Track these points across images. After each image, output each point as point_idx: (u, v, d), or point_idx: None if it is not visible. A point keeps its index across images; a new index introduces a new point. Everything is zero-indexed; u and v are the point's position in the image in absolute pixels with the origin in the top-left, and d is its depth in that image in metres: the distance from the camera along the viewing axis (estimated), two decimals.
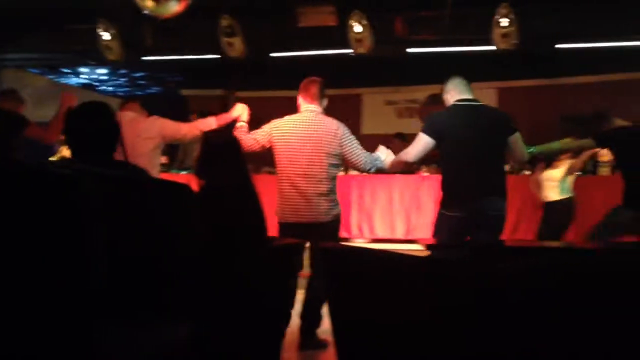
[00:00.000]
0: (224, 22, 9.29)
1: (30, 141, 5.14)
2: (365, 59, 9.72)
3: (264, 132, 4.79)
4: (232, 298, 2.67)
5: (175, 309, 2.31)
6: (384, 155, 4.92)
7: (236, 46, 9.47)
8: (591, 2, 8.87)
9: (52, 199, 1.81)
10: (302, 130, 4.67)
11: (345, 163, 5.04)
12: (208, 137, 3.68)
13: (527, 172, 8.08)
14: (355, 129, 5.83)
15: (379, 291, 2.22)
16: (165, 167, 8.19)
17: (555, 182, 7.37)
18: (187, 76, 12.22)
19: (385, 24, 9.60)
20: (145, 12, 7.60)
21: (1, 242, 1.76)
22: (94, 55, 10.02)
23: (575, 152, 6.99)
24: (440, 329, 2.08)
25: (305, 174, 4.61)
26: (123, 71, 12.33)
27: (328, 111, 4.89)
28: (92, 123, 2.98)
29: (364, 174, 8.82)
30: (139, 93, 12.75)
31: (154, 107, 5.26)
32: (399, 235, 8.34)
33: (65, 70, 12.25)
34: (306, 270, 4.60)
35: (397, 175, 8.37)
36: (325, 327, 4.61)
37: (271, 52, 10.56)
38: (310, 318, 4.71)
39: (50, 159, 5.68)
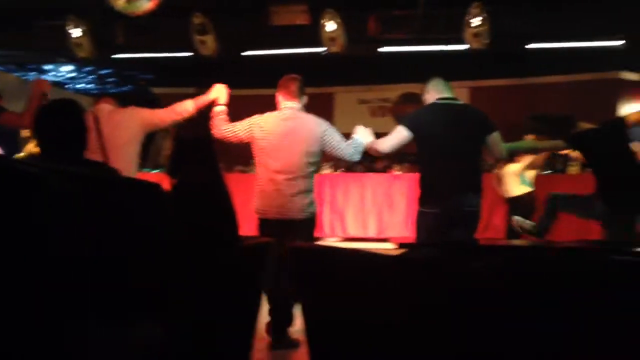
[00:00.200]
0: (197, 20, 9.25)
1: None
2: (338, 57, 9.75)
3: (244, 126, 4.73)
4: (203, 297, 2.65)
5: (145, 308, 2.29)
6: (363, 135, 4.85)
7: (209, 44, 9.45)
8: (561, 3, 8.98)
9: (18, 197, 1.78)
10: (282, 126, 4.65)
11: (330, 158, 5.01)
12: (180, 135, 3.64)
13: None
14: None
15: (352, 290, 2.21)
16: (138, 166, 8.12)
17: (514, 177, 7.45)
18: (159, 74, 12.15)
19: (358, 23, 9.62)
20: (117, 9, 7.55)
21: None
22: (64, 52, 9.93)
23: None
24: (412, 327, 2.08)
25: (284, 171, 4.59)
26: (89, 69, 12.21)
27: None
28: (61, 121, 2.94)
29: (337, 172, 8.88)
30: (113, 91, 12.63)
31: (125, 105, 5.21)
32: (372, 234, 8.37)
33: (31, 67, 12.10)
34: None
35: (370, 174, 8.40)
36: (298, 326, 4.60)
37: (244, 51, 10.54)
38: (282, 317, 4.69)
39: (18, 155, 5.61)
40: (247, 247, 3.22)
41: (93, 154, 4.53)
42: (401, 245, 2.81)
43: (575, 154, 6.76)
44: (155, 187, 2.49)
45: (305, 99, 4.81)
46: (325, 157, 4.90)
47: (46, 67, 12.18)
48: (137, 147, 4.79)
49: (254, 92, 10.66)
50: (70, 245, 1.90)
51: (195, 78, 11.53)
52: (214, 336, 2.73)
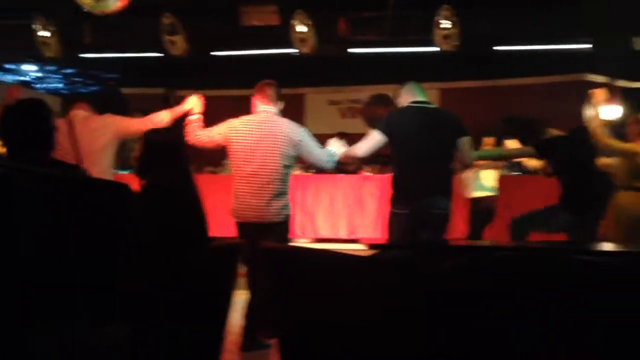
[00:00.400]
0: (166, 20, 9.19)
1: None
2: (309, 58, 9.74)
3: (220, 130, 4.75)
4: (171, 298, 2.63)
5: (113, 310, 2.27)
6: (336, 148, 4.96)
7: (178, 44, 9.39)
8: (529, 6, 9.08)
9: None
10: (258, 130, 4.66)
11: (304, 162, 5.05)
12: (148, 136, 3.60)
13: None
14: None
15: (322, 291, 2.21)
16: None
17: (475, 179, 7.50)
18: (128, 74, 12.03)
19: (329, 24, 9.63)
20: (85, 9, 7.46)
21: None
22: (31, 52, 9.80)
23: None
24: (383, 327, 2.08)
25: (260, 174, 4.61)
26: (53, 68, 12.06)
27: None
28: (29, 121, 2.90)
29: (308, 173, 8.87)
30: (83, 91, 12.47)
31: (98, 109, 5.17)
32: (342, 235, 8.36)
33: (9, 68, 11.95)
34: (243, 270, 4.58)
35: (340, 175, 8.40)
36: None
37: (214, 51, 10.50)
38: (253, 319, 4.68)
39: None
40: (217, 248, 3.21)
41: (67, 160, 4.54)
42: (371, 247, 2.82)
43: (531, 163, 6.88)
44: (123, 188, 2.47)
45: (281, 104, 4.84)
46: (297, 159, 4.92)
47: (10, 66, 12.00)
48: (112, 154, 4.80)
49: (224, 93, 10.63)
50: (37, 245, 1.87)
51: (165, 78, 11.46)
52: (183, 337, 2.71)
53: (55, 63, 11.22)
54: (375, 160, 8.92)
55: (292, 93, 11.49)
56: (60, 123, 4.76)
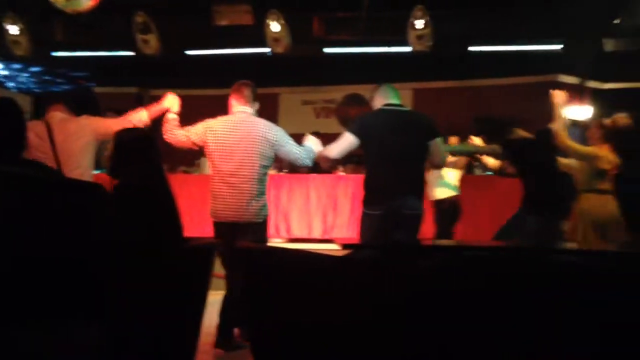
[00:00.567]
0: (139, 18, 9.13)
1: None
2: (283, 58, 9.73)
3: (198, 130, 4.76)
4: (146, 298, 2.62)
5: (86, 310, 2.25)
6: (314, 144, 4.97)
7: (151, 43, 9.32)
8: (503, 7, 9.15)
9: None
10: (236, 131, 4.68)
11: (283, 161, 5.08)
12: (120, 135, 3.57)
13: None
14: None
15: (296, 291, 2.21)
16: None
17: (437, 179, 7.55)
18: (100, 73, 11.92)
19: (303, 24, 9.63)
20: (56, 6, 7.38)
21: None
22: (0, 50, 9.68)
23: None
24: (356, 327, 2.09)
25: (238, 175, 4.63)
26: (18, 66, 11.90)
27: None
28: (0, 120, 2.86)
29: (282, 173, 8.86)
30: (55, 90, 12.32)
31: (69, 105, 5.12)
32: (316, 234, 8.37)
33: None
34: (220, 271, 4.57)
35: (314, 175, 8.40)
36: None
37: (187, 50, 10.45)
38: (229, 318, 4.69)
39: None
40: (192, 248, 3.19)
41: (46, 162, 4.52)
42: (345, 246, 2.82)
43: (490, 163, 6.98)
44: (96, 187, 2.45)
45: (257, 105, 4.85)
46: (275, 159, 4.93)
47: None
48: (91, 156, 4.78)
49: (197, 93, 10.56)
50: (8, 245, 1.85)
51: (138, 77, 11.39)
52: (157, 336, 2.70)
53: (26, 61, 11.09)
54: (349, 160, 8.94)
55: (266, 93, 11.46)
56: (37, 125, 4.73)
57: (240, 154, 4.64)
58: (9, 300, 1.89)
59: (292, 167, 9.08)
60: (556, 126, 5.59)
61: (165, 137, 4.83)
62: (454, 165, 7.49)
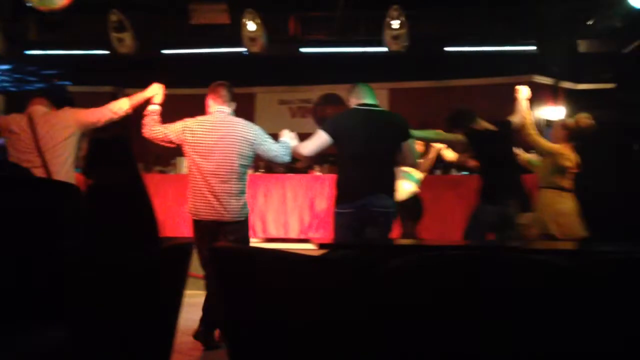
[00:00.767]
0: (113, 17, 9.05)
1: None
2: (259, 58, 9.70)
3: (176, 128, 4.77)
4: (121, 300, 2.60)
5: (52, 311, 2.22)
6: (289, 138, 5.00)
7: (126, 42, 9.25)
8: (478, 8, 9.21)
9: None
10: (214, 131, 4.71)
11: (262, 160, 5.11)
12: (95, 135, 3.55)
13: None
14: None
15: (273, 291, 2.20)
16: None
17: (401, 178, 7.58)
18: (74, 72, 11.81)
19: (279, 23, 9.62)
20: (29, 4, 7.31)
21: None
22: None
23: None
24: (332, 327, 2.08)
25: (218, 174, 4.67)
26: None
27: None
28: None
29: (258, 173, 8.85)
30: (30, 88, 12.18)
31: (48, 99, 5.12)
32: (293, 234, 8.36)
33: None
34: (196, 271, 4.56)
35: (290, 174, 8.41)
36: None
37: (163, 49, 10.38)
38: (210, 318, 4.71)
39: None
40: (168, 248, 3.17)
41: (29, 155, 4.56)
42: (321, 246, 2.82)
43: (448, 156, 7.10)
44: (69, 187, 2.43)
45: (234, 104, 4.88)
46: (255, 158, 4.95)
47: None
48: (74, 148, 4.82)
49: (172, 92, 10.46)
50: None
51: (113, 76, 11.28)
52: (132, 337, 2.68)
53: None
54: (325, 160, 8.95)
55: (242, 92, 11.42)
56: (19, 118, 4.76)
57: (220, 153, 4.66)
58: None
59: (269, 167, 9.08)
60: (516, 119, 5.74)
61: (143, 131, 4.85)
62: (423, 169, 7.51)
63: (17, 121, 4.77)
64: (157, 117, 4.88)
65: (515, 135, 5.99)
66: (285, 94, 11.96)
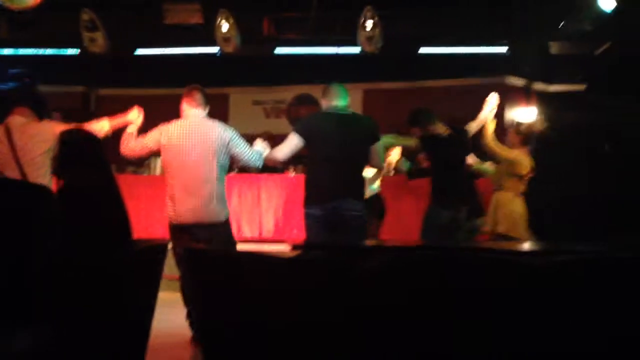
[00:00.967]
0: (85, 16, 8.98)
1: None
2: (233, 58, 9.69)
3: (153, 137, 4.81)
4: (93, 301, 2.57)
5: (20, 314, 2.20)
6: (262, 147, 5.04)
7: (98, 41, 9.19)
8: (452, 9, 9.27)
9: None
10: (192, 134, 4.74)
11: (235, 163, 5.13)
12: (63, 135, 3.51)
13: None
14: None
15: (247, 293, 2.20)
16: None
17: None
18: (45, 71, 11.68)
19: (253, 24, 9.61)
20: (0, 3, 7.23)
21: None
22: None
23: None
24: (309, 328, 2.08)
25: (197, 177, 4.68)
26: None
27: None
28: None
29: (231, 173, 8.81)
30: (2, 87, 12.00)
31: (10, 102, 5.04)
32: (267, 235, 8.35)
33: None
34: (171, 272, 4.54)
35: (264, 175, 8.39)
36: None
37: (135, 49, 10.33)
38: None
39: None
40: (141, 249, 3.15)
41: (7, 166, 4.52)
42: (295, 247, 2.82)
43: (393, 162, 7.18)
44: (39, 188, 2.40)
45: (208, 107, 4.93)
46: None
47: None
48: (50, 159, 4.78)
49: (145, 92, 10.42)
50: None
51: (85, 76, 11.19)
52: (105, 338, 2.65)
53: None
54: (299, 161, 8.95)
55: (215, 93, 11.38)
56: None
57: (198, 156, 4.69)
58: None
59: (242, 168, 9.06)
60: (473, 128, 5.83)
61: (121, 150, 4.88)
62: (384, 173, 7.54)
63: None
64: (135, 135, 4.89)
65: (474, 142, 6.06)
66: (259, 95, 11.94)
